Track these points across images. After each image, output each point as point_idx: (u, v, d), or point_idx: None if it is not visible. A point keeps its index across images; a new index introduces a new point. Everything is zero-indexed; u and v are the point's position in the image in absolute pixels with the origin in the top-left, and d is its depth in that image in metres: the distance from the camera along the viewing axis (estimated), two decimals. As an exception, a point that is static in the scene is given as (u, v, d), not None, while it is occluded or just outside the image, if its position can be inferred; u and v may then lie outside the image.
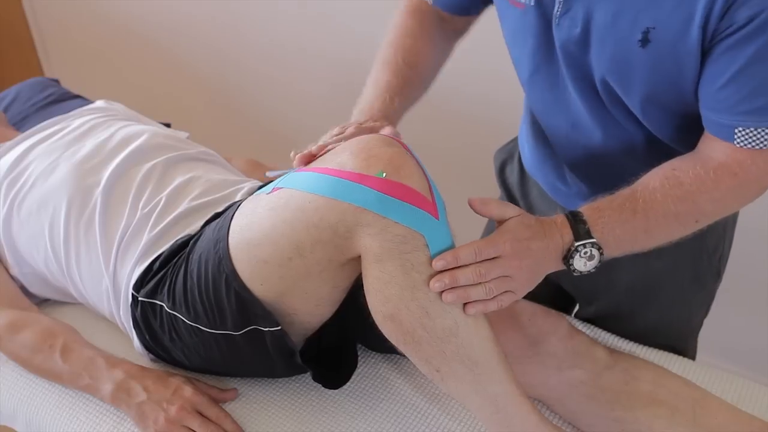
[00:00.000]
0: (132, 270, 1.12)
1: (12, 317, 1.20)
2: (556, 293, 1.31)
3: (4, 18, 2.65)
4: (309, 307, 1.01)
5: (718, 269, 1.22)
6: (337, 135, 0.99)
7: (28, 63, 2.73)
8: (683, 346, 1.28)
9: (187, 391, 1.09)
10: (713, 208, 0.94)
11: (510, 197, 1.32)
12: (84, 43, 2.61)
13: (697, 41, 0.87)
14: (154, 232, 1.14)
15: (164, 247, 1.12)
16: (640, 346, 1.21)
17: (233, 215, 1.01)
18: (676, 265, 1.17)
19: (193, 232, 1.12)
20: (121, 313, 1.15)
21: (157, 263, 1.10)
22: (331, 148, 0.95)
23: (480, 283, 0.89)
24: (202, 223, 1.14)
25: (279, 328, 1.00)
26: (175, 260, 1.08)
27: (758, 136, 0.88)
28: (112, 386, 1.10)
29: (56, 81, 1.76)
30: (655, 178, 0.95)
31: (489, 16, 1.14)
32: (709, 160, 0.93)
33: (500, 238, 0.91)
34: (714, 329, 1.43)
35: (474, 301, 0.90)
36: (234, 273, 0.98)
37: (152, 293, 1.08)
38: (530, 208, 1.26)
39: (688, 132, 0.97)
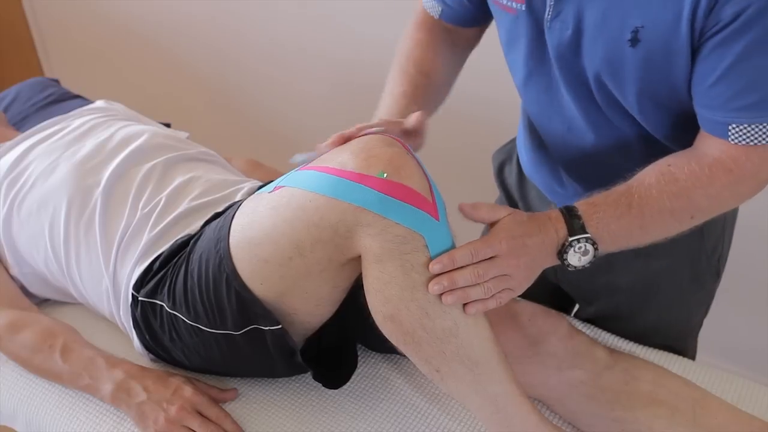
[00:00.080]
0: (132, 270, 1.12)
1: (12, 317, 1.20)
2: (555, 294, 1.31)
3: (4, 18, 2.65)
4: (309, 306, 1.01)
5: (717, 269, 1.22)
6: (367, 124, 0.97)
7: (28, 63, 2.73)
8: (683, 346, 1.28)
9: (187, 391, 1.09)
10: (708, 204, 0.94)
11: (509, 198, 1.32)
12: (84, 43, 2.61)
13: (686, 39, 0.87)
14: (154, 232, 1.14)
15: (164, 247, 1.12)
16: (640, 346, 1.21)
17: (234, 214, 1.01)
18: (675, 265, 1.17)
19: (193, 232, 1.12)
20: (121, 313, 1.15)
21: (157, 263, 1.10)
22: (370, 132, 0.93)
23: (479, 283, 0.89)
24: (202, 223, 1.14)
25: (280, 327, 1.00)
26: (175, 260, 1.08)
27: (752, 132, 0.88)
28: (112, 386, 1.10)
29: (56, 81, 1.76)
30: (650, 174, 0.95)
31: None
32: (704, 156, 0.93)
33: (496, 237, 0.91)
34: (714, 329, 1.43)
35: (474, 301, 0.90)
36: (234, 272, 0.98)
37: (152, 293, 1.08)
38: (529, 209, 1.26)
39: (684, 130, 0.98)
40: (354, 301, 1.01)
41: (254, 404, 1.13)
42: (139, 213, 1.17)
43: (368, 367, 1.18)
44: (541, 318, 1.13)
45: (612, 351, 1.14)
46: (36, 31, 2.68)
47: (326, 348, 1.13)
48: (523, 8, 0.98)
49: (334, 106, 2.18)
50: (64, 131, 1.34)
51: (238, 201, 1.14)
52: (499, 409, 0.94)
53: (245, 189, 1.23)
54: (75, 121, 1.38)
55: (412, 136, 1.00)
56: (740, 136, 0.89)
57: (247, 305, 0.99)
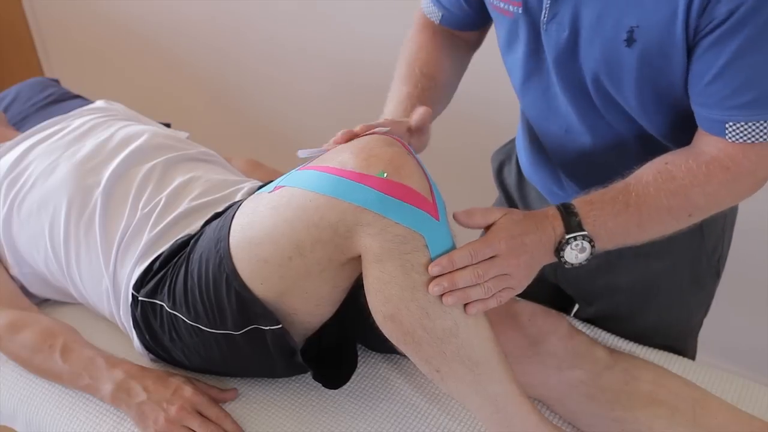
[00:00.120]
0: (132, 270, 1.12)
1: (12, 317, 1.20)
2: (555, 294, 1.31)
3: (4, 18, 2.65)
4: (309, 306, 1.01)
5: (717, 269, 1.22)
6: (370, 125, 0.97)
7: (28, 63, 2.73)
8: (683, 346, 1.28)
9: (187, 391, 1.09)
10: (706, 202, 0.94)
11: (508, 198, 1.32)
12: (84, 43, 2.61)
13: (681, 38, 0.88)
14: (154, 232, 1.14)
15: (164, 247, 1.12)
16: (640, 346, 1.21)
17: (234, 214, 1.01)
18: (675, 266, 1.17)
19: (193, 232, 1.12)
20: (121, 313, 1.15)
21: (157, 263, 1.10)
22: (379, 131, 0.93)
23: (479, 283, 0.89)
24: (202, 223, 1.14)
25: (280, 326, 1.00)
26: (175, 260, 1.08)
27: (749, 130, 0.89)
28: (112, 386, 1.10)
29: (56, 81, 1.76)
30: (648, 172, 0.95)
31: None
32: (701, 154, 0.93)
33: (494, 237, 0.91)
34: (714, 329, 1.43)
35: (474, 301, 0.90)
36: (234, 272, 0.98)
37: (152, 293, 1.08)
38: (528, 209, 1.26)
39: (683, 130, 0.97)
40: (354, 301, 1.01)
41: (254, 404, 1.13)
42: (139, 213, 1.17)
43: (368, 367, 1.18)
44: (541, 318, 1.13)
45: (612, 351, 1.14)
46: (36, 31, 2.68)
47: (326, 348, 1.13)
48: (520, 11, 0.98)
49: (334, 106, 2.18)
50: (64, 131, 1.34)
51: (238, 201, 1.14)
52: (499, 409, 0.94)
53: (245, 189, 1.23)
54: (75, 121, 1.38)
55: (417, 134, 1.00)
56: (737, 134, 0.89)
57: (247, 305, 0.99)
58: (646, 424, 1.05)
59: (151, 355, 1.16)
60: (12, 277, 1.28)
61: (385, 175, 0.88)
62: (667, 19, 0.87)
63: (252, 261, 0.96)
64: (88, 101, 1.61)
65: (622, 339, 1.22)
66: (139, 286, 1.10)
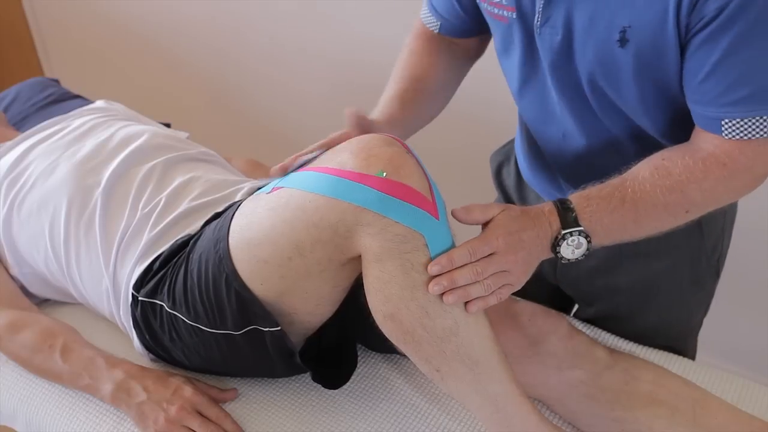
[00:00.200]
0: (132, 270, 1.12)
1: (12, 317, 1.20)
2: (555, 295, 1.31)
3: (4, 18, 2.65)
4: (309, 306, 1.01)
5: (717, 269, 1.22)
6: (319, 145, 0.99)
7: (28, 63, 2.73)
8: (683, 346, 1.28)
9: (187, 391, 1.09)
10: (703, 199, 0.94)
11: (507, 200, 1.32)
12: (84, 43, 2.61)
13: (673, 36, 0.88)
14: (154, 232, 1.14)
15: (164, 247, 1.12)
16: (640, 346, 1.21)
17: (233, 215, 1.01)
18: (675, 266, 1.17)
19: (193, 232, 1.12)
20: (121, 313, 1.15)
21: (157, 263, 1.10)
22: (311, 158, 0.96)
23: (478, 281, 0.89)
24: (202, 223, 1.14)
25: (279, 328, 1.00)
26: (175, 260, 1.08)
27: (745, 126, 0.88)
28: (112, 386, 1.10)
29: (56, 81, 1.76)
30: (644, 168, 0.95)
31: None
32: (698, 150, 0.93)
33: (492, 234, 0.91)
34: (714, 329, 1.43)
35: (475, 299, 0.90)
36: (234, 272, 0.98)
37: (152, 293, 1.08)
38: None
39: (681, 128, 0.97)
40: (354, 301, 1.01)
41: (254, 404, 1.13)
42: (139, 213, 1.17)
43: (368, 367, 1.18)
44: (541, 318, 1.13)
45: (612, 351, 1.14)
46: (36, 31, 2.68)
47: (326, 348, 1.13)
48: (514, 16, 0.99)
49: (334, 106, 2.16)
50: (64, 131, 1.34)
51: (237, 201, 1.14)
52: (499, 408, 0.94)
53: (245, 189, 1.23)
54: (75, 121, 1.38)
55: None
56: (734, 130, 0.89)
57: (246, 305, 0.99)
58: (646, 424, 1.05)
59: (151, 355, 1.16)
60: (12, 277, 1.28)
61: (385, 174, 0.88)
62: (659, 18, 0.87)
63: (252, 261, 0.97)
64: (88, 101, 1.61)
65: (622, 339, 1.22)
66: (139, 286, 1.10)
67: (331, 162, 0.91)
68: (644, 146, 1.01)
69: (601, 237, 0.94)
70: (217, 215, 1.13)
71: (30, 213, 1.23)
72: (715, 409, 1.06)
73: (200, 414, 1.08)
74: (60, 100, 1.65)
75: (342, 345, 1.15)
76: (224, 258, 0.99)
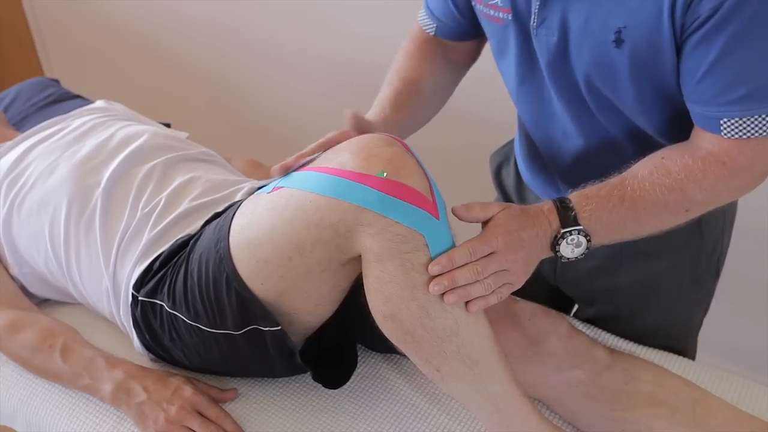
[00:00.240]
0: (132, 270, 1.12)
1: (12, 317, 1.20)
2: (554, 295, 1.31)
3: (4, 18, 2.65)
4: (309, 306, 1.01)
5: (717, 269, 1.22)
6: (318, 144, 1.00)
7: (28, 63, 2.73)
8: (683, 346, 1.28)
9: (187, 391, 1.09)
10: (703, 198, 0.94)
11: (507, 200, 1.32)
12: (84, 43, 2.61)
13: (669, 37, 0.88)
14: (154, 232, 1.14)
15: (164, 247, 1.12)
16: (640, 347, 1.21)
17: (234, 215, 1.01)
18: (674, 266, 1.17)
19: (193, 232, 1.12)
20: (121, 313, 1.15)
21: (157, 263, 1.10)
22: (311, 159, 0.97)
23: (479, 280, 0.89)
24: (202, 223, 1.14)
25: (279, 328, 1.00)
26: (175, 260, 1.08)
27: (744, 125, 0.88)
28: (112, 386, 1.10)
29: (56, 81, 1.76)
30: (644, 166, 0.95)
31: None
32: (698, 149, 0.93)
33: (491, 233, 0.91)
34: (714, 329, 1.43)
35: (475, 298, 0.90)
36: (234, 272, 0.98)
37: (152, 293, 1.08)
38: None
39: (680, 127, 0.97)
40: (354, 301, 1.01)
41: (254, 404, 1.13)
42: (139, 213, 1.17)
43: (368, 367, 1.18)
44: (541, 318, 1.13)
45: (612, 351, 1.14)
46: (36, 31, 2.68)
47: (326, 348, 1.13)
48: (510, 18, 0.99)
49: (334, 106, 2.17)
50: (64, 131, 1.34)
51: (237, 201, 1.14)
52: (499, 408, 0.94)
53: (245, 189, 1.23)
54: (75, 121, 1.38)
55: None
56: (733, 129, 0.89)
57: (247, 305, 0.99)
58: (646, 424, 1.05)
59: (151, 355, 1.16)
60: (12, 277, 1.28)
61: (385, 174, 0.88)
62: (653, 19, 0.87)
63: (252, 261, 0.97)
64: (88, 101, 1.61)
65: (622, 339, 1.22)
66: (139, 285, 1.10)
67: (331, 162, 0.92)
68: (642, 146, 1.01)
69: (600, 236, 0.94)
70: (217, 215, 1.13)
71: (30, 213, 1.23)
72: (715, 409, 1.06)
73: (200, 414, 1.08)
74: (60, 100, 1.65)
75: (342, 345, 1.15)
76: (224, 258, 0.99)
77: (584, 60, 0.95)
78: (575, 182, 1.06)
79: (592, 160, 1.07)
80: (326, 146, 0.98)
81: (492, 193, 1.38)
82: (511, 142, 1.33)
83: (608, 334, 1.23)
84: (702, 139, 0.93)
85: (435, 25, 1.15)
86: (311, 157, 0.98)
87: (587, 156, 1.08)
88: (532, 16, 0.96)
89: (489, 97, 1.72)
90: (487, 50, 1.20)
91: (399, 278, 0.88)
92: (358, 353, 1.17)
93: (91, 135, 1.32)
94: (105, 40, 2.54)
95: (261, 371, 1.14)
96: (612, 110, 1.00)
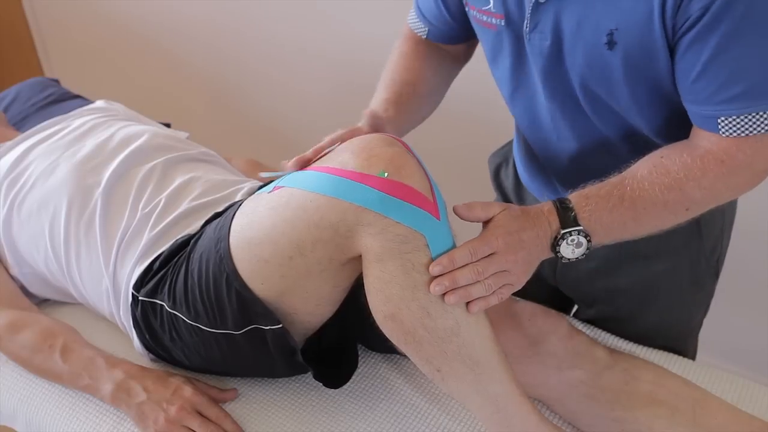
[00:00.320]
0: (132, 270, 1.12)
1: (12, 317, 1.20)
2: (554, 296, 1.30)
3: (4, 18, 2.65)
4: (309, 306, 1.01)
5: (716, 269, 1.22)
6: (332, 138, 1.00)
7: (28, 63, 2.73)
8: (683, 346, 1.28)
9: (187, 391, 1.09)
10: (703, 196, 0.94)
11: (506, 201, 1.32)
12: (84, 43, 2.61)
13: (661, 37, 0.88)
14: (154, 232, 1.14)
15: (164, 247, 1.12)
16: (640, 347, 1.21)
17: (234, 214, 1.01)
18: (674, 267, 1.17)
19: (193, 232, 1.12)
20: (121, 312, 1.15)
21: (158, 263, 1.10)
22: (328, 151, 0.96)
23: (479, 281, 0.89)
24: (202, 223, 1.14)
25: (280, 326, 1.00)
26: (175, 260, 1.08)
27: (742, 123, 0.88)
28: (112, 386, 1.10)
29: (56, 81, 1.76)
30: (643, 166, 0.95)
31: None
32: (696, 148, 0.93)
33: (492, 234, 0.91)
34: (714, 329, 1.43)
35: (476, 299, 0.90)
36: (235, 272, 0.98)
37: (152, 293, 1.08)
38: None
39: (678, 127, 0.97)
40: (354, 301, 1.01)
41: (254, 404, 1.13)
42: (139, 213, 1.17)
43: (368, 367, 1.18)
44: (541, 318, 1.13)
45: (612, 351, 1.14)
46: (36, 31, 2.68)
47: (326, 348, 1.13)
48: (503, 23, 0.99)
49: (334, 106, 2.18)
50: (64, 131, 1.34)
51: (238, 201, 1.14)
52: (499, 409, 0.94)
53: (245, 189, 1.23)
54: (75, 121, 1.38)
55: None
56: (730, 128, 0.89)
57: (247, 305, 0.99)
58: (646, 424, 1.05)
59: (151, 355, 1.16)
60: (12, 277, 1.28)
61: (386, 174, 0.88)
62: (645, 20, 0.87)
63: (252, 261, 0.97)
64: (88, 101, 1.61)
65: (622, 339, 1.22)
66: (139, 285, 1.10)
67: (332, 162, 0.92)
68: (636, 146, 1.01)
69: (600, 236, 0.94)
70: (217, 215, 1.13)
71: (30, 213, 1.23)
72: (715, 409, 1.06)
73: (200, 414, 1.08)
74: (60, 100, 1.65)
75: (342, 345, 1.15)
76: (225, 257, 0.99)
77: (578, 63, 0.95)
78: (572, 184, 1.06)
79: (587, 161, 1.07)
80: (341, 140, 0.97)
81: (492, 193, 1.38)
82: (510, 143, 1.33)
83: (608, 335, 1.23)
84: (700, 137, 0.93)
85: (427, 28, 1.16)
86: (328, 149, 0.97)
87: (581, 156, 1.08)
88: (525, 21, 0.96)
89: (488, 97, 1.72)
90: (486, 50, 1.21)
91: (399, 278, 0.88)
92: (359, 353, 1.17)
93: (91, 135, 1.32)
94: (105, 40, 2.54)
95: (261, 371, 1.14)
96: (608, 112, 1.00)
